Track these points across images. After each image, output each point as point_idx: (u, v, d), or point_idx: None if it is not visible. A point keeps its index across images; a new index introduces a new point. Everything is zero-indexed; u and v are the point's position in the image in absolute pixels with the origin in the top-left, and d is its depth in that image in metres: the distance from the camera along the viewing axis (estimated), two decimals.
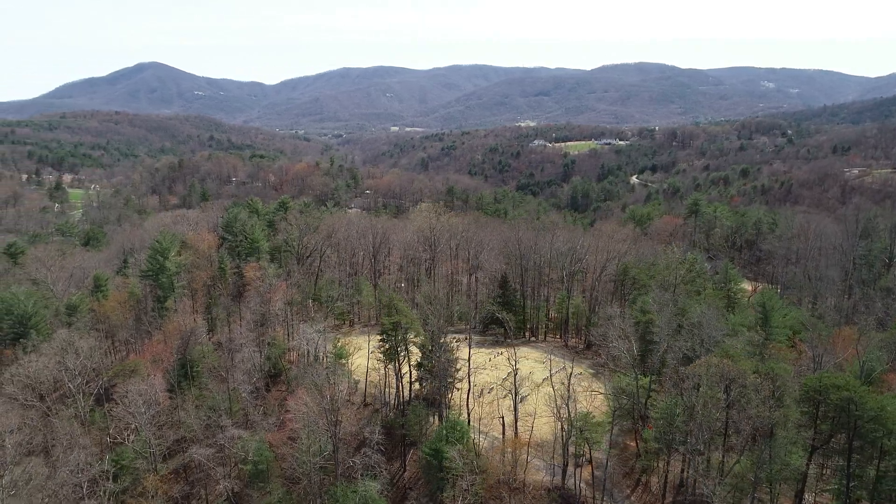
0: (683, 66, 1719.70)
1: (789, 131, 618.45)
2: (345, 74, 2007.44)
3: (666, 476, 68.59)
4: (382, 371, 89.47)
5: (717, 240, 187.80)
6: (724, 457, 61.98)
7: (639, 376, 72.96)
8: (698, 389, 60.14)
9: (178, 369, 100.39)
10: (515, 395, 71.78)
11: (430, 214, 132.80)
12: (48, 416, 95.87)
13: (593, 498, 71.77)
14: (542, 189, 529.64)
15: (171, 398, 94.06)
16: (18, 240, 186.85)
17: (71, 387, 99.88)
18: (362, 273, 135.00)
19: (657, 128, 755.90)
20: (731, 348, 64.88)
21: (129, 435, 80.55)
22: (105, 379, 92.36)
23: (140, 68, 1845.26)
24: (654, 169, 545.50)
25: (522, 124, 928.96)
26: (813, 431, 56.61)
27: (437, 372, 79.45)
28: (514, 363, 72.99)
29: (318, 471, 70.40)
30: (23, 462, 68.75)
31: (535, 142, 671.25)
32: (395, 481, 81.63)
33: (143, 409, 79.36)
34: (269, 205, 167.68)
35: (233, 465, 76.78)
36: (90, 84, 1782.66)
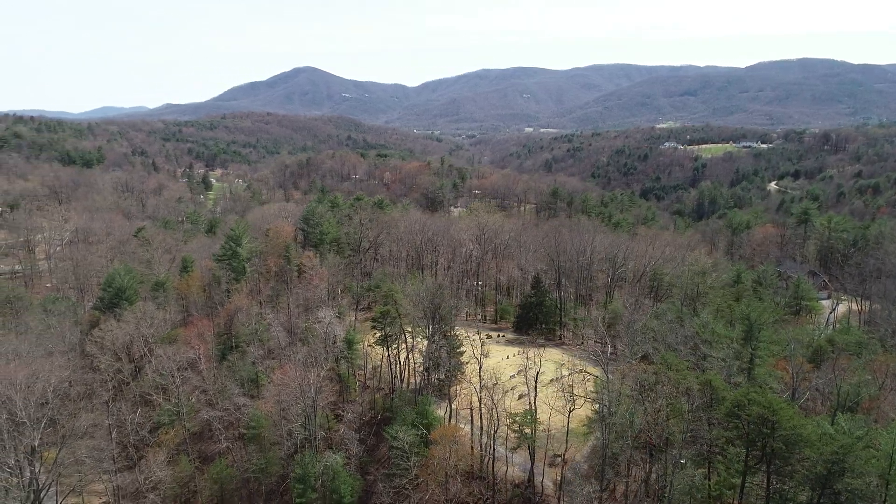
0: (855, 61, 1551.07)
1: None
2: (483, 75, 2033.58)
3: (646, 482, 67.60)
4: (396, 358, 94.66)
5: (811, 252, 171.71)
6: (667, 468, 60.11)
7: (610, 379, 71.87)
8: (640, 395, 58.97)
9: (226, 341, 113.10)
10: (480, 389, 73.87)
11: (480, 213, 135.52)
12: (121, 374, 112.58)
13: (556, 498, 72.36)
14: (668, 194, 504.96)
15: (215, 367, 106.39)
16: (148, 225, 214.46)
17: (146, 350, 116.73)
18: (414, 267, 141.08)
19: (807, 130, 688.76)
20: (673, 356, 62.18)
21: (162, 394, 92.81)
22: (149, 344, 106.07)
23: (296, 72, 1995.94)
24: (796, 175, 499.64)
25: (660, 126, 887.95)
26: (745, 449, 53.50)
27: (427, 363, 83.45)
28: (479, 358, 75.18)
29: (300, 440, 77.32)
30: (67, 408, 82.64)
31: (666, 144, 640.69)
32: (381, 460, 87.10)
33: (175, 373, 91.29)
34: (348, 200, 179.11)
35: (235, 428, 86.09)
36: (252, 87, 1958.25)
